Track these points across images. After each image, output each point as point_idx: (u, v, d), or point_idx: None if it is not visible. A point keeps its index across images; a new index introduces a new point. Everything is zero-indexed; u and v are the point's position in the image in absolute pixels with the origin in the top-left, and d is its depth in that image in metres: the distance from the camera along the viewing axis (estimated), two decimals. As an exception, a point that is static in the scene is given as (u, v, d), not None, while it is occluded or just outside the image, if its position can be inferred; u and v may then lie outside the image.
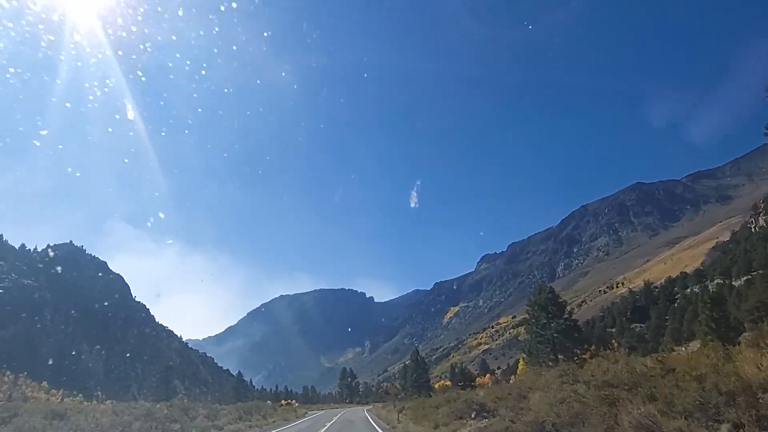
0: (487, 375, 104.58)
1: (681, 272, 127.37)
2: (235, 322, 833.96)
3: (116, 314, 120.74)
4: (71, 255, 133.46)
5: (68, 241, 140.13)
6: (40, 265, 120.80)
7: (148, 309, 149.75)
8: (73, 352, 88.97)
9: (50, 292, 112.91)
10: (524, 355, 44.65)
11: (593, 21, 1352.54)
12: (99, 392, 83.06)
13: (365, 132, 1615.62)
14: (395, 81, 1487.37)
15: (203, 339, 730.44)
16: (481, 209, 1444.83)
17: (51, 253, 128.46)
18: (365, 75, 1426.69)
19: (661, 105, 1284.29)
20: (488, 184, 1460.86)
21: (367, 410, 53.73)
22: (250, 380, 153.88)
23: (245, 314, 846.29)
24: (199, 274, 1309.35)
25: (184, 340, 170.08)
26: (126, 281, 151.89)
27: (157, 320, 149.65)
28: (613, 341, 67.21)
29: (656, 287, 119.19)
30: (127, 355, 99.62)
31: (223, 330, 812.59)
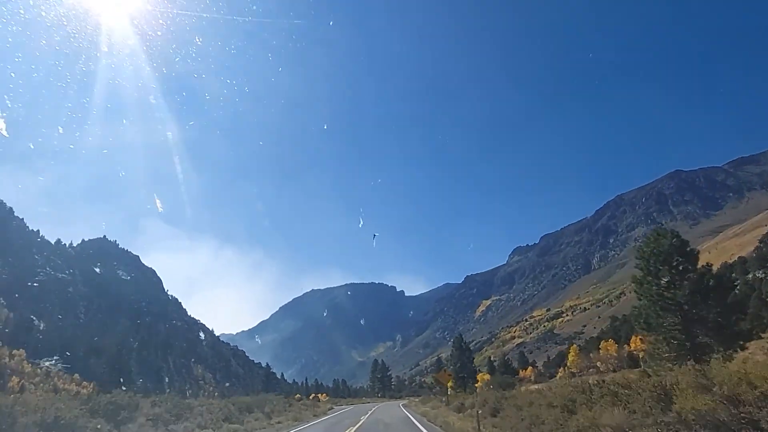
0: (529, 368, 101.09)
1: (739, 257, 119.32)
2: (267, 317, 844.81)
3: (149, 308, 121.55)
4: (104, 250, 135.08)
5: (102, 236, 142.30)
6: (75, 260, 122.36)
7: (180, 303, 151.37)
8: (105, 345, 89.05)
9: (84, 286, 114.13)
10: (640, 328, 26.06)
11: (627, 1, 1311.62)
12: (136, 384, 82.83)
13: (394, 126, 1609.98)
14: (424, 73, 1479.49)
15: (237, 333, 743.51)
16: (512, 201, 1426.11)
17: (85, 248, 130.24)
18: (394, 68, 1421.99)
19: (700, 89, 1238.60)
20: (519, 175, 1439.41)
21: (404, 405, 48.24)
22: (282, 374, 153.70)
23: (277, 309, 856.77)
24: (233, 270, 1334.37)
25: (217, 334, 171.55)
26: (158, 275, 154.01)
27: (189, 314, 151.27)
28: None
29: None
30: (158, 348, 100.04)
31: (255, 324, 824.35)
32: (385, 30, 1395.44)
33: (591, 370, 78.64)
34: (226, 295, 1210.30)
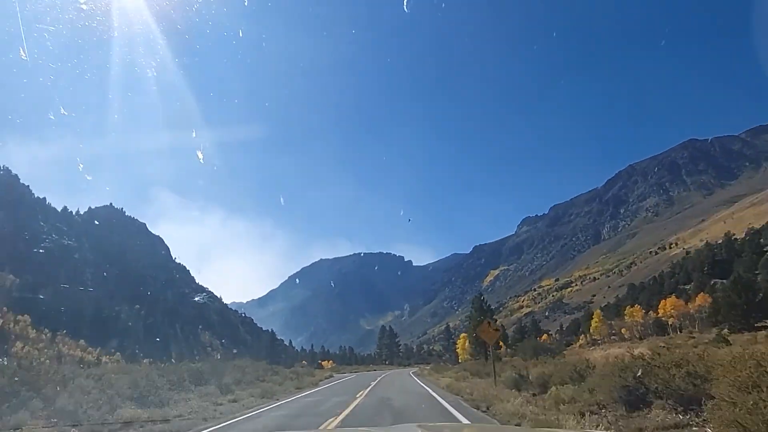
0: (544, 335, 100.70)
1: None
2: (276, 286, 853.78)
3: (156, 275, 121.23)
4: (111, 217, 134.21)
5: (108, 204, 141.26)
6: (81, 227, 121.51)
7: (189, 271, 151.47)
8: (113, 312, 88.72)
9: (91, 253, 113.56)
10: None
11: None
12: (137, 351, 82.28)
13: (402, 95, 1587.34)
14: (432, 42, 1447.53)
15: (247, 302, 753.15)
16: (521, 171, 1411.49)
17: (91, 216, 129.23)
18: (401, 36, 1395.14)
19: (716, 54, 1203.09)
20: (529, 145, 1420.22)
21: (415, 374, 41.61)
22: (290, 341, 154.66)
23: (286, 278, 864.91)
24: (243, 240, 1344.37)
25: (228, 303, 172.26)
26: (166, 243, 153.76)
27: (197, 281, 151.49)
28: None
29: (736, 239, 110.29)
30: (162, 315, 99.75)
31: (265, 293, 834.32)
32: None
33: (613, 337, 76.67)
34: (237, 264, 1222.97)
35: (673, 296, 73.91)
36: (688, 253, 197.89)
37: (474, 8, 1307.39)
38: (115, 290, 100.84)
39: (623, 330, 78.71)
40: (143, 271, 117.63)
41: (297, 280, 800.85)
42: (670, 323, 70.71)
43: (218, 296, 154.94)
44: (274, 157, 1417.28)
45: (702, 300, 64.98)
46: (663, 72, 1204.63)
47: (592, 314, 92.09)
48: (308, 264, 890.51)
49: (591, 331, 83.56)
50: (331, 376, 42.22)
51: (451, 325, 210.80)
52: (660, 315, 71.83)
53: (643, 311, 76.45)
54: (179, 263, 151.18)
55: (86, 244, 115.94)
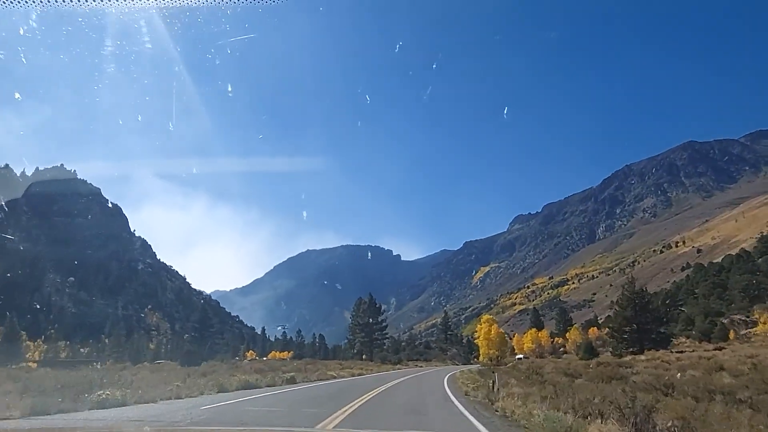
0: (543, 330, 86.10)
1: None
2: (261, 275, 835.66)
3: (103, 245, 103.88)
4: (61, 179, 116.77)
5: (59, 165, 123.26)
6: (22, 187, 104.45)
7: (150, 245, 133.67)
8: (34, 280, 72.44)
9: (28, 215, 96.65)
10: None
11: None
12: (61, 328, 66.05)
13: (394, 87, 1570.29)
14: (426, 33, 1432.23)
15: (230, 290, 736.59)
16: (515, 169, 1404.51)
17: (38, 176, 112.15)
18: (394, 26, 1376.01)
19: (717, 57, 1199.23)
20: (523, 142, 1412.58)
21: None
22: (263, 329, 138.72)
23: (272, 267, 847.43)
24: (227, 227, 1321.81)
25: (210, 290, 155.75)
26: (124, 213, 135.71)
27: (158, 257, 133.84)
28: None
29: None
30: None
31: (249, 282, 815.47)
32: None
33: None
34: (221, 252, 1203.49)
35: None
36: (699, 251, 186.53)
37: (472, 2, 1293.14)
38: (44, 255, 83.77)
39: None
40: (89, 240, 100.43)
41: (281, 271, 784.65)
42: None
43: (182, 275, 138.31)
44: (261, 145, 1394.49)
45: None
46: (664, 72, 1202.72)
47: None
48: (295, 254, 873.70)
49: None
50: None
51: (438, 321, 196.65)
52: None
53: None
54: (139, 236, 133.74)
55: (24, 206, 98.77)
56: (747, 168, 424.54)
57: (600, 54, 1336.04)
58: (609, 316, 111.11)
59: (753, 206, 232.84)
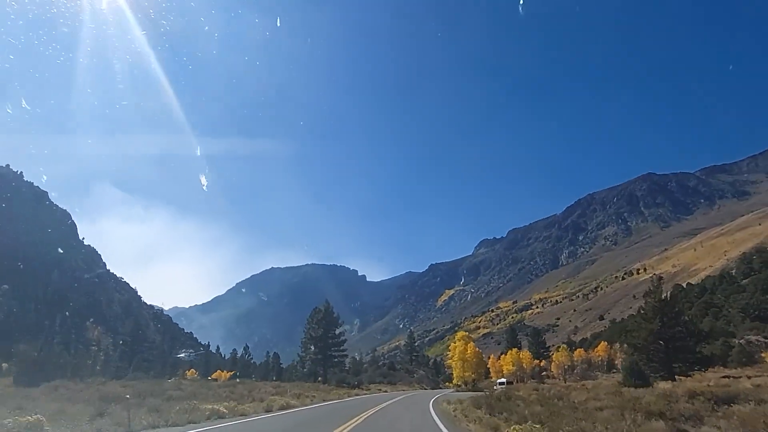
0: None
1: None
2: (223, 292, 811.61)
3: (45, 252, 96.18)
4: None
5: (5, 165, 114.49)
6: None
7: (100, 255, 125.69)
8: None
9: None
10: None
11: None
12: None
13: (362, 109, 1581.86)
14: (396, 59, 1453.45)
15: (189, 307, 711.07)
16: (481, 193, 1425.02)
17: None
18: (360, 48, 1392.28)
19: (676, 94, 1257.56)
20: (490, 167, 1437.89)
21: None
22: (217, 347, 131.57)
23: (233, 285, 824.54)
24: (188, 242, 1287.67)
25: (168, 307, 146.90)
26: (73, 219, 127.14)
27: (108, 268, 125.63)
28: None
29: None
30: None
31: (210, 299, 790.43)
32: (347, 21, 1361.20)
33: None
34: (181, 268, 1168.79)
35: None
36: (660, 278, 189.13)
37: (444, 27, 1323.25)
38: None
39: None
40: (29, 247, 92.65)
41: (244, 288, 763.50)
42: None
43: (134, 287, 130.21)
44: (226, 162, 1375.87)
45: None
46: (625, 107, 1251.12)
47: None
48: (258, 272, 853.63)
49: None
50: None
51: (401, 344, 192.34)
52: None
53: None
54: (88, 244, 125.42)
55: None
56: (702, 201, 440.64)
57: (567, 87, 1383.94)
58: (597, 333, 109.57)
59: (711, 236, 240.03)
